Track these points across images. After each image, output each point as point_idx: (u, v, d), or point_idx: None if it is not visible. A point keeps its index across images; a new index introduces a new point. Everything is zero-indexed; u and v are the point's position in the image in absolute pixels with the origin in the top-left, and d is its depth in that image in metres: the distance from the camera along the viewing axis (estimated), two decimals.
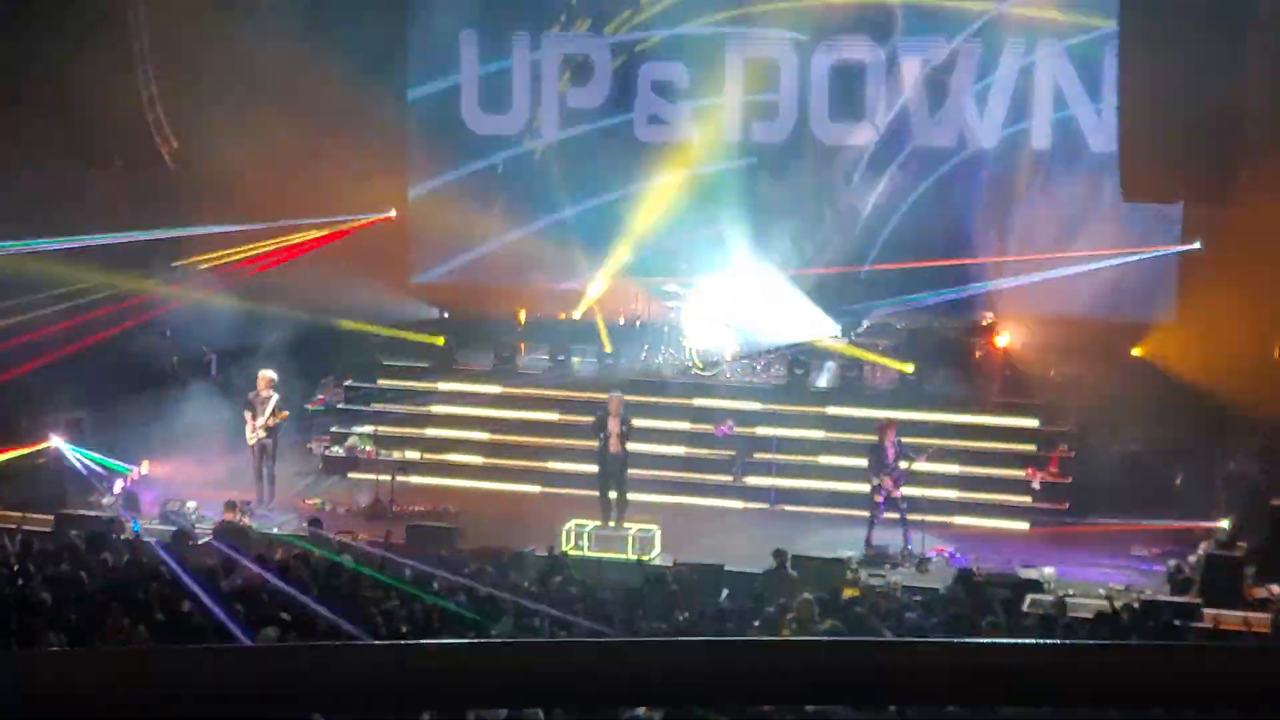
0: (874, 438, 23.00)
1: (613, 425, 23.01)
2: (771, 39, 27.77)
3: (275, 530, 22.36)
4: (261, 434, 23.88)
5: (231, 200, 26.08)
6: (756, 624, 16.59)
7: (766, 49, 27.90)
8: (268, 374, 24.27)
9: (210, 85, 26.50)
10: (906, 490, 22.46)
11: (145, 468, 24.66)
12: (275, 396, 24.09)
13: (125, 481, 23.94)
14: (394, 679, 3.52)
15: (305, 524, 21.81)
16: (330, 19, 27.09)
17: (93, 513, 22.66)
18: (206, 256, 27.05)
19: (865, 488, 22.97)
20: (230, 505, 21.77)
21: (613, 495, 22.95)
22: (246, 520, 21.94)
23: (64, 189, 25.41)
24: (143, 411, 25.21)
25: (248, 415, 24.00)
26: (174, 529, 21.61)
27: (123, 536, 20.95)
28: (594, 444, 23.47)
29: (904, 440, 22.73)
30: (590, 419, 23.84)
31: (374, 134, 27.88)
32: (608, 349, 27.03)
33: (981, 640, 4.10)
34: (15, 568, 17.89)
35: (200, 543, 20.83)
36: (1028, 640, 5.23)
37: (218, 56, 26.55)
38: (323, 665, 3.59)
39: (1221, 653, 3.75)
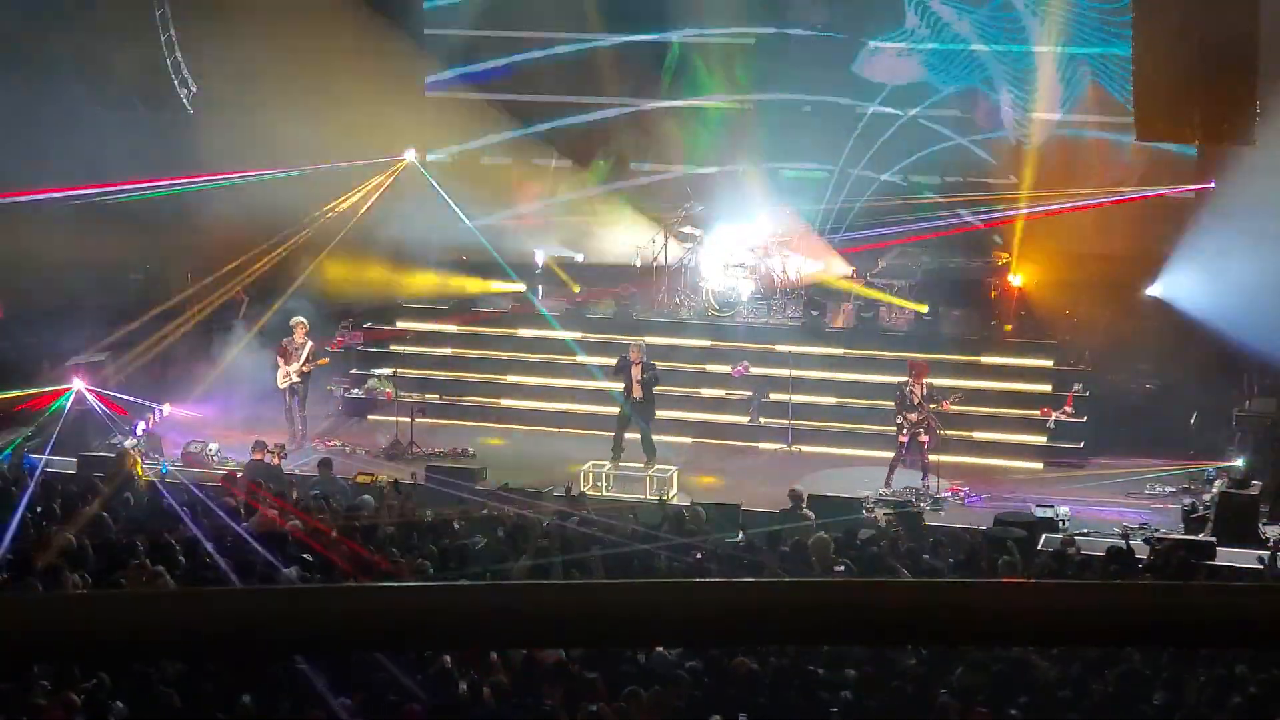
0: (895, 377, 23.06)
1: (635, 373, 23.12)
2: None
3: (296, 471, 22.51)
4: (295, 379, 24.05)
5: (252, 145, 26.08)
6: (771, 563, 16.75)
7: None
8: (303, 321, 24.43)
9: (228, 27, 26.52)
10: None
11: (167, 409, 24.81)
12: (310, 344, 24.26)
13: (147, 423, 24.09)
14: (416, 618, 3.62)
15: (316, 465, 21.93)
16: None
17: (114, 455, 22.81)
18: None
19: (880, 429, 23.08)
20: (259, 445, 21.94)
21: (632, 436, 23.08)
22: (277, 459, 22.12)
23: (85, 132, 25.50)
24: (166, 353, 25.38)
25: (280, 360, 24.19)
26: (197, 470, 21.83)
27: (140, 478, 21.05)
28: (612, 386, 23.60)
29: (930, 382, 22.78)
30: (609, 361, 23.95)
31: (392, 71, 27.83)
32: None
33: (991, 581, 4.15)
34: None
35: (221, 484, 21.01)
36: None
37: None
38: (349, 605, 3.70)
39: (1231, 591, 3.85)
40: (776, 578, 15.26)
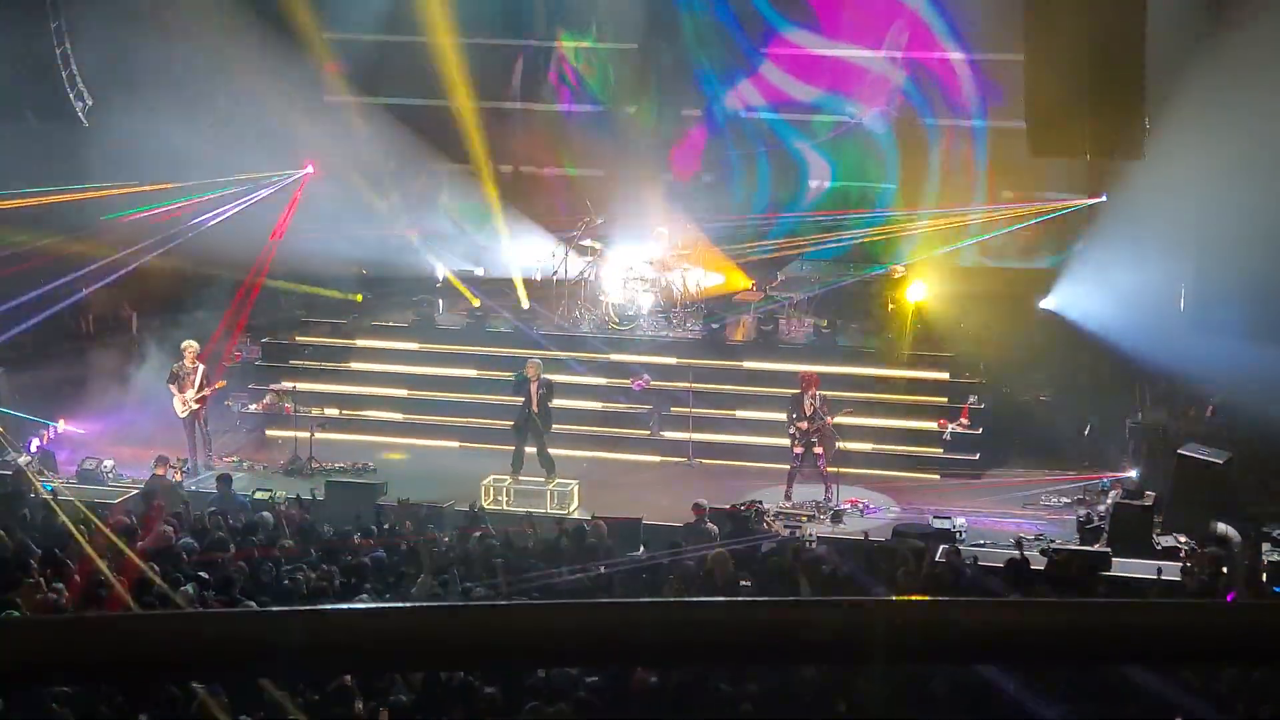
0: (792, 390, 23.20)
1: (533, 389, 23.13)
2: None
3: (193, 488, 22.34)
4: (194, 405, 23.75)
5: (146, 158, 25.89)
6: (672, 577, 16.76)
7: None
8: (193, 345, 24.11)
9: (125, 38, 26.32)
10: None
11: (61, 426, 24.57)
12: (202, 368, 23.95)
13: (41, 440, 23.85)
14: (310, 645, 3.61)
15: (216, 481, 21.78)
16: None
17: (7, 471, 22.56)
18: (126, 214, 26.81)
19: (781, 441, 23.20)
20: (160, 460, 21.73)
21: (532, 451, 23.09)
22: (178, 475, 21.92)
23: None
24: (58, 369, 25.14)
25: (173, 388, 23.84)
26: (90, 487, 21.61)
27: (36, 495, 20.86)
28: (512, 400, 23.60)
29: (821, 394, 22.91)
30: (508, 375, 23.94)
31: (292, 86, 27.69)
32: (524, 305, 27.08)
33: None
34: None
35: (119, 500, 20.85)
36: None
37: (132, 8, 26.39)
38: (239, 632, 3.68)
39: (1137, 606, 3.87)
40: (679, 594, 15.36)
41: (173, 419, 24.01)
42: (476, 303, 27.20)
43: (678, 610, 3.90)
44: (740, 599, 13.48)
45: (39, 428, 24.19)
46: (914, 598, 12.73)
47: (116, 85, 26.42)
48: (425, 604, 11.27)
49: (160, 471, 21.54)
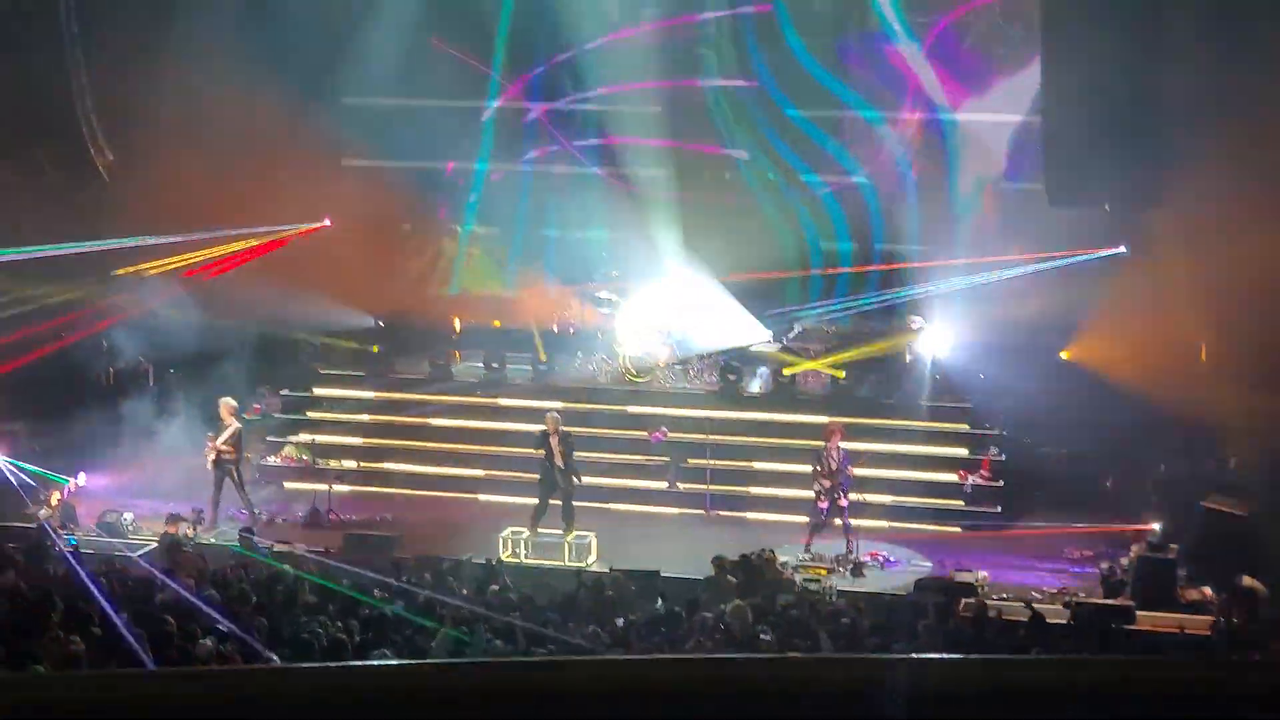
0: (814, 442, 23.13)
1: (553, 442, 23.09)
2: None
3: (212, 540, 22.30)
4: (222, 456, 23.72)
5: (167, 211, 25.94)
6: (691, 629, 16.68)
7: None
8: (228, 401, 24.15)
9: (146, 95, 26.39)
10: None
11: (82, 479, 24.58)
12: (236, 425, 23.97)
13: (62, 493, 23.85)
14: (328, 701, 3.57)
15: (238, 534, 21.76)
16: (268, 28, 27.06)
17: (30, 525, 22.56)
18: (143, 266, 26.88)
19: (800, 493, 23.13)
20: (173, 518, 21.71)
21: (554, 503, 23.02)
22: (191, 532, 21.85)
23: None
24: (79, 423, 25.15)
25: (209, 441, 23.92)
26: (111, 540, 21.59)
27: (57, 549, 20.85)
28: (531, 452, 23.52)
29: (843, 445, 22.84)
30: (527, 427, 23.87)
31: (310, 141, 27.78)
32: (543, 357, 27.08)
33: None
34: None
35: (138, 554, 20.82)
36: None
37: (153, 66, 26.45)
38: (259, 688, 3.65)
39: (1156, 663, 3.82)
40: (700, 648, 15.29)
41: (191, 471, 24.03)
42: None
43: (702, 666, 3.86)
44: (762, 655, 13.40)
45: (60, 481, 24.15)
46: (937, 655, 12.66)
47: (136, 139, 26.47)
48: (447, 660, 11.21)
49: (172, 529, 21.49)
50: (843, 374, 26.04)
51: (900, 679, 3.56)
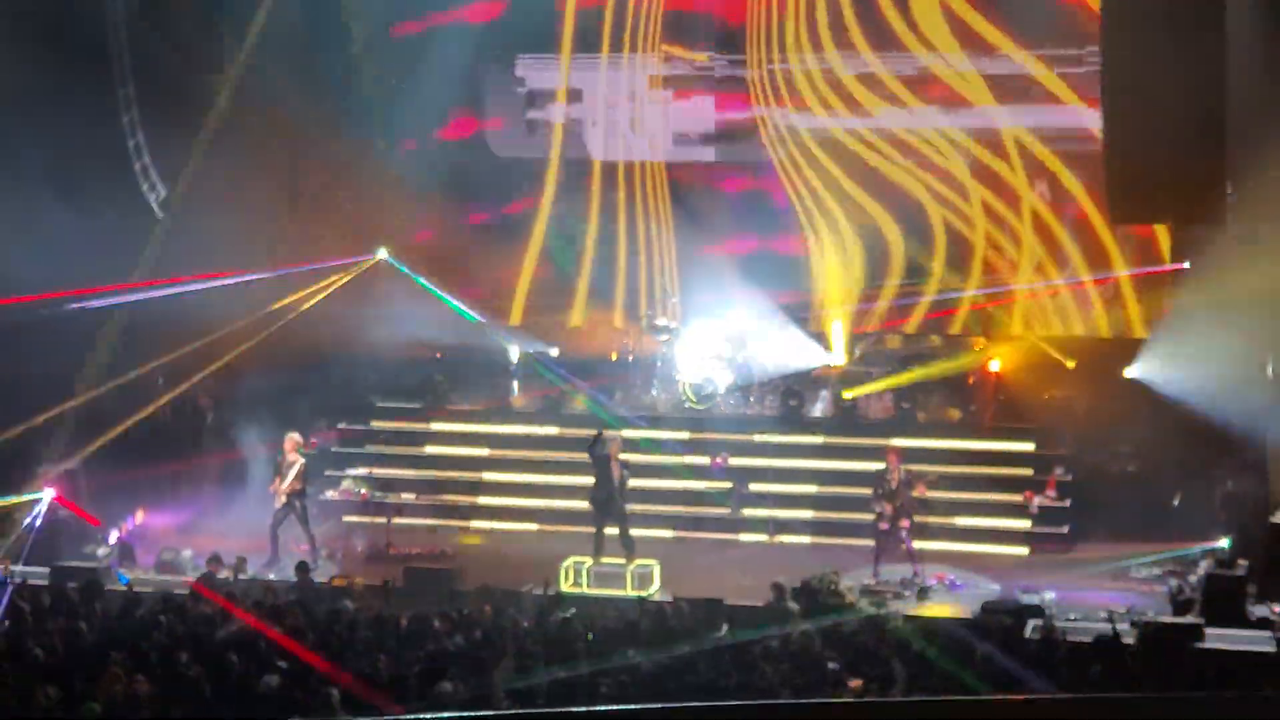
0: (875, 465, 22.96)
1: (614, 468, 22.93)
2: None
3: (272, 576, 22.23)
4: (293, 490, 23.66)
5: (220, 247, 25.95)
6: (756, 657, 16.48)
7: None
8: (293, 437, 24.08)
9: (197, 132, 26.45)
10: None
11: (140, 517, 24.57)
12: (301, 461, 23.92)
13: (120, 532, 23.81)
14: None
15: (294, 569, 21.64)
16: (319, 67, 27.22)
17: (88, 564, 22.53)
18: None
19: (863, 517, 22.96)
20: (214, 559, 21.59)
21: (612, 531, 22.86)
22: (232, 574, 21.70)
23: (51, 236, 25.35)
24: (139, 460, 25.14)
25: (276, 478, 23.85)
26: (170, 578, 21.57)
27: (111, 588, 20.82)
28: (590, 480, 23.33)
29: (905, 468, 22.65)
30: (586, 455, 23.71)
31: (364, 175, 27.83)
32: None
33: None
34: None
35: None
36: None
37: (204, 103, 26.54)
38: None
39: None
40: (766, 677, 15.10)
41: (251, 507, 24.01)
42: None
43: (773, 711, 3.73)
44: (864, 700, 13.18)
45: (119, 519, 24.15)
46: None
47: (189, 175, 26.52)
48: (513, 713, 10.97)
49: (213, 569, 21.39)
50: (906, 396, 25.81)
51: None
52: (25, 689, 14.77)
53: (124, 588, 20.88)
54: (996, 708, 3.38)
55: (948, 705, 3.51)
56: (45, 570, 21.99)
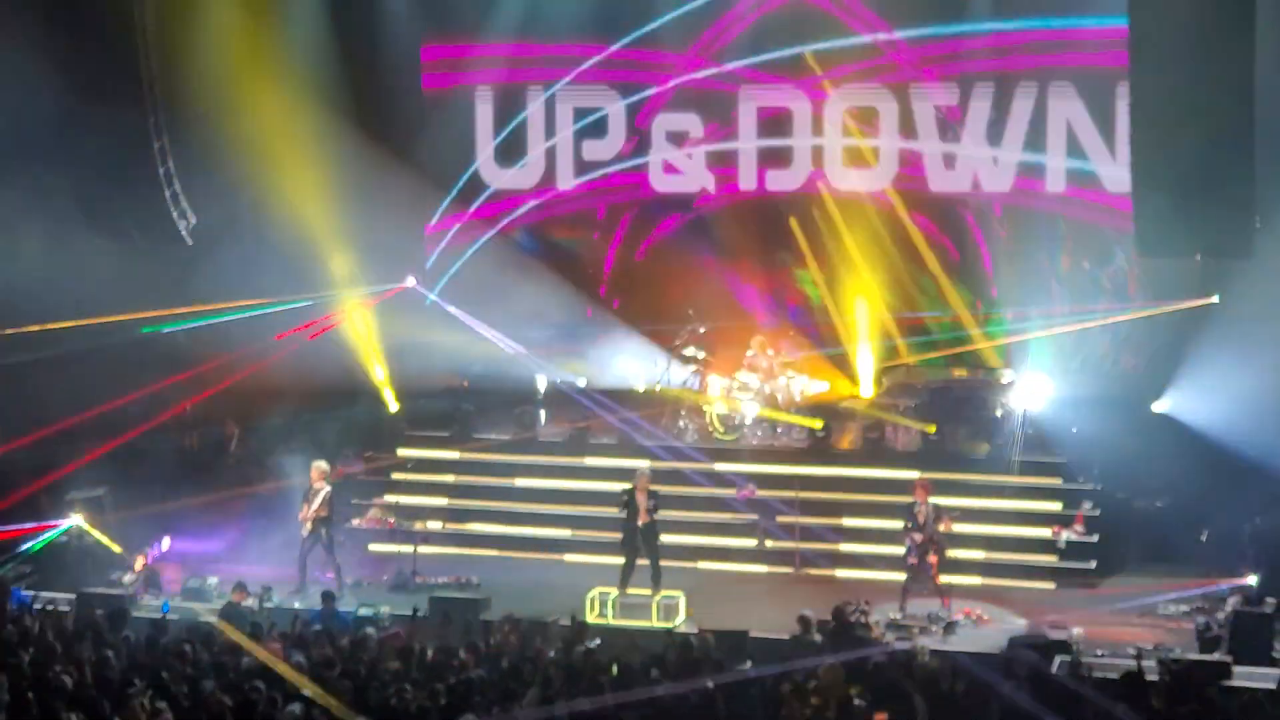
0: (903, 498, 22.89)
1: (641, 499, 22.88)
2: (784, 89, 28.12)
3: (298, 605, 22.23)
4: (319, 516, 23.66)
5: (251, 274, 26.04)
6: (782, 690, 16.42)
7: (779, 98, 28.30)
8: (320, 465, 24.10)
9: (226, 159, 26.56)
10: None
11: (166, 544, 24.58)
12: (328, 488, 23.92)
13: (146, 558, 23.84)
14: None
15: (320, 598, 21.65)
16: (342, 88, 27.38)
17: (115, 591, 22.57)
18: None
19: (891, 550, 22.92)
20: (239, 587, 21.60)
21: (642, 563, 22.81)
22: (252, 601, 21.69)
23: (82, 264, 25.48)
24: (164, 487, 25.20)
25: (304, 505, 23.84)
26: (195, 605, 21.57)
27: (136, 614, 20.80)
28: (616, 511, 23.28)
29: (933, 501, 22.55)
30: (612, 486, 23.67)
31: (391, 199, 27.91)
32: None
33: None
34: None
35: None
36: None
37: (233, 128, 26.66)
38: None
39: None
40: (792, 712, 15.06)
41: (278, 534, 24.04)
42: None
43: None
44: None
45: (145, 545, 24.18)
46: None
47: (220, 202, 26.64)
48: None
49: (237, 598, 21.39)
50: (933, 428, 25.75)
51: None
52: (51, 716, 14.77)
53: (163, 616, 20.79)
54: None
55: None
56: (71, 596, 22.05)
